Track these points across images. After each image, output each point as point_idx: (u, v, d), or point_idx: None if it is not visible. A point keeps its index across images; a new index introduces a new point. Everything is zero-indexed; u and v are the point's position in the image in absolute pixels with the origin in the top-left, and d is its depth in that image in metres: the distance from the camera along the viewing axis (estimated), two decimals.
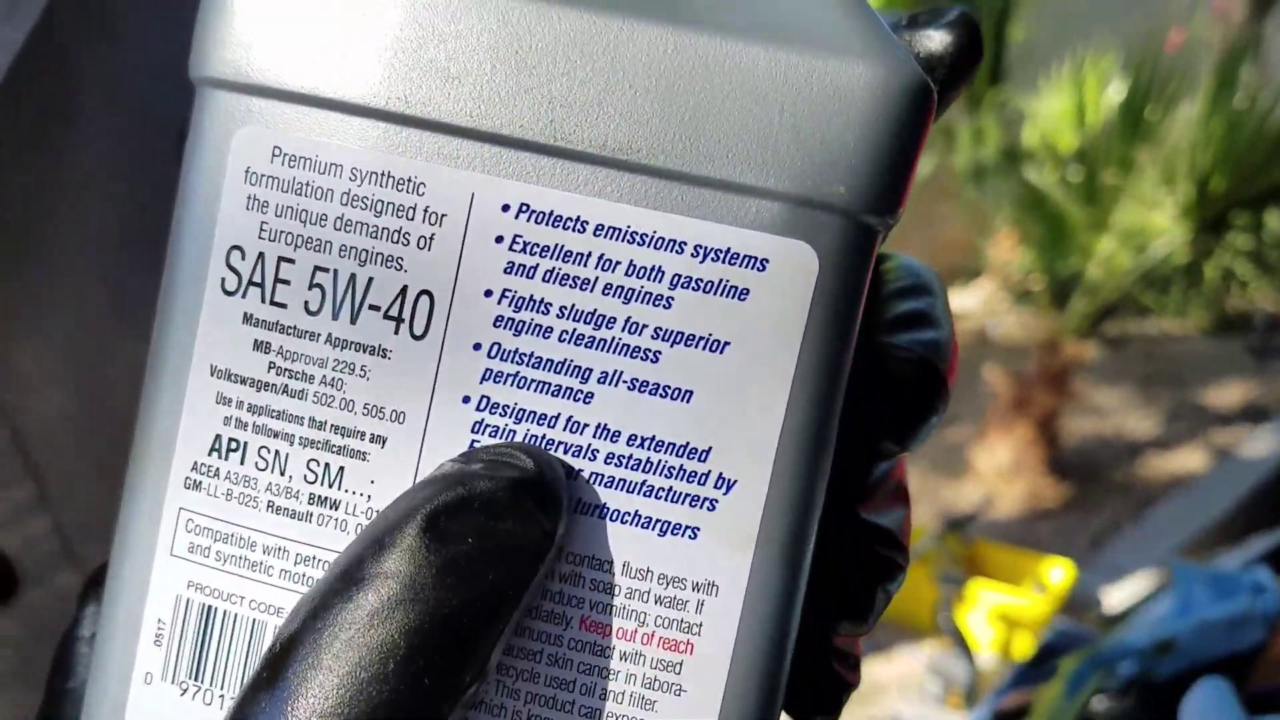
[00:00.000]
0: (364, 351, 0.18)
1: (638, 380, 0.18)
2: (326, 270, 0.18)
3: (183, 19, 0.38)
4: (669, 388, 0.18)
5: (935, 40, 0.20)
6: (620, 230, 0.18)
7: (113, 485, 0.35)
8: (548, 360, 0.18)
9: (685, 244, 0.17)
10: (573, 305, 0.18)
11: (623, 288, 0.18)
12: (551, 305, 0.18)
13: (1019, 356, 2.95)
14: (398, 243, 0.18)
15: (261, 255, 0.18)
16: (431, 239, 0.18)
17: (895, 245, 0.24)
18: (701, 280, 0.18)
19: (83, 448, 0.34)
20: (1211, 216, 2.89)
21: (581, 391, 0.18)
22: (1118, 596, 1.93)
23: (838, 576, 0.20)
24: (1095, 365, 3.40)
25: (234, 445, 0.18)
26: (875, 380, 0.20)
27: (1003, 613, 2.04)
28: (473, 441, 0.18)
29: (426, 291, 0.18)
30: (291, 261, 0.18)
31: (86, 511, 0.34)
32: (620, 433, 0.18)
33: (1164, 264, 2.96)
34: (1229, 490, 2.52)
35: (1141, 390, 3.45)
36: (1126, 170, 2.83)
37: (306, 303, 0.18)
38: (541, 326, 0.18)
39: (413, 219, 0.18)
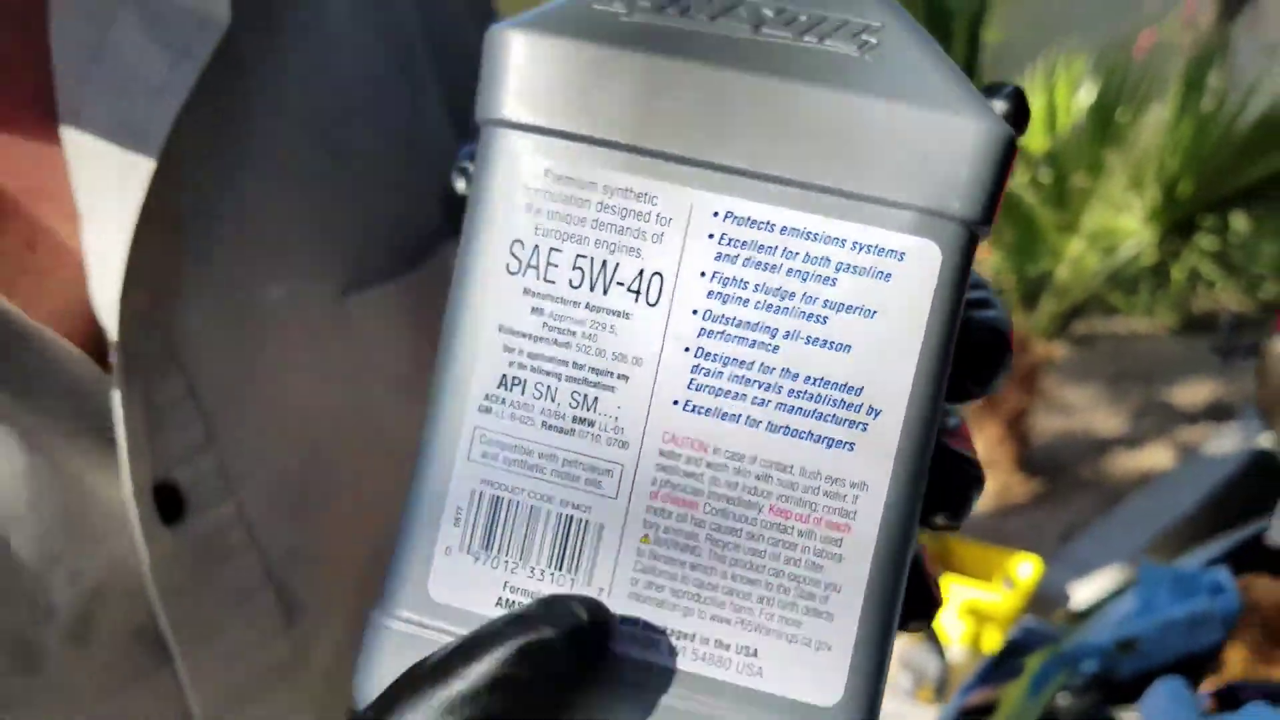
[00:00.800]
0: (612, 314, 0.24)
1: (811, 337, 0.24)
2: (585, 257, 0.24)
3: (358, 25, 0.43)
4: (834, 342, 0.24)
5: (996, 107, 0.27)
6: (800, 230, 0.24)
7: (271, 433, 0.40)
8: (745, 322, 0.24)
9: (846, 240, 0.24)
10: (764, 283, 0.24)
11: (801, 271, 0.24)
12: (748, 283, 0.24)
13: None
14: (637, 238, 0.24)
15: (537, 246, 0.25)
16: (662, 235, 0.24)
17: None
18: (858, 266, 0.24)
19: (244, 399, 0.39)
20: (1179, 219, 2.91)
21: (770, 344, 0.24)
22: (1085, 592, 1.96)
23: (937, 483, 0.26)
24: (1064, 364, 3.45)
25: (516, 381, 0.25)
26: (960, 342, 0.26)
27: (973, 607, 2.07)
28: (691, 380, 0.24)
29: (658, 273, 0.24)
30: (559, 250, 0.25)
31: (245, 455, 0.39)
32: (799, 374, 0.24)
33: (1132, 265, 2.99)
34: (1194, 487, 2.55)
35: (1110, 389, 3.50)
36: (1096, 173, 2.86)
37: (570, 280, 0.25)
38: (741, 298, 0.24)
39: (648, 221, 0.24)
